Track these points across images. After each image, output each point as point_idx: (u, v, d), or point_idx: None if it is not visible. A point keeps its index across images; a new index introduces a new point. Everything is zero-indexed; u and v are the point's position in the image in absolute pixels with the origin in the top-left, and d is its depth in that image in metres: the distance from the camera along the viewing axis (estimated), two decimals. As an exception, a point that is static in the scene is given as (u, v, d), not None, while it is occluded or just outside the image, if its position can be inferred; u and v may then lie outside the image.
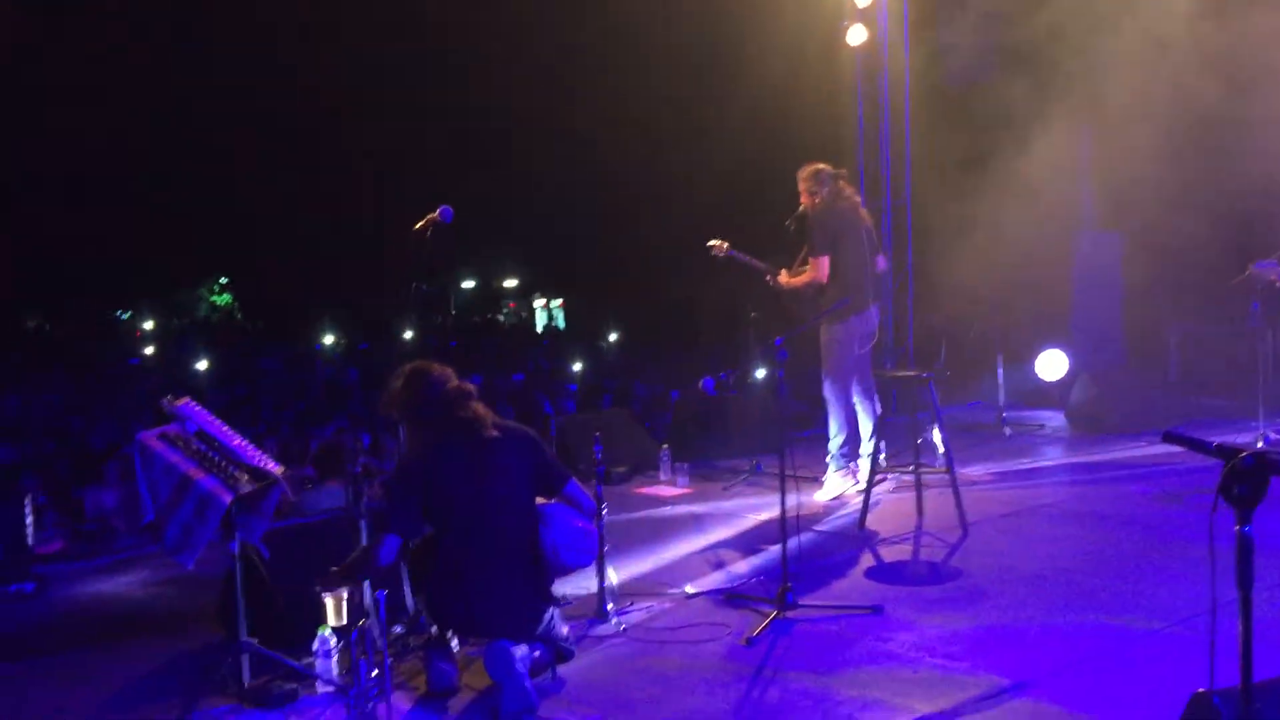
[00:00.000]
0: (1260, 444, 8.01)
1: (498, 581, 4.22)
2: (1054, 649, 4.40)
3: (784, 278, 7.30)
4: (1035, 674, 4.13)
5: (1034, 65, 10.59)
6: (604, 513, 5.04)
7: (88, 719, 4.19)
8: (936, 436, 6.82)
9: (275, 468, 4.22)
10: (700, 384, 5.07)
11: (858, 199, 7.42)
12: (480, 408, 4.37)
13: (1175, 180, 8.89)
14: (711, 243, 7.41)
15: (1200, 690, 2.40)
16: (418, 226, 4.77)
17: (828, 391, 7.26)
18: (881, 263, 7.63)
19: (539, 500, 4.43)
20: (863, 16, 11.16)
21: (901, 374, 6.79)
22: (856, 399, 7.23)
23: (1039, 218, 10.12)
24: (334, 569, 4.11)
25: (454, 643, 4.36)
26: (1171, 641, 4.36)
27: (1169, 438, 2.32)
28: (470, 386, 4.41)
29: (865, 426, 7.25)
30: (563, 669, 4.34)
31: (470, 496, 4.23)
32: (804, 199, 7.21)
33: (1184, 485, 6.85)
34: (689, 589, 5.39)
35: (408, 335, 20.43)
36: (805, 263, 7.22)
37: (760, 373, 10.45)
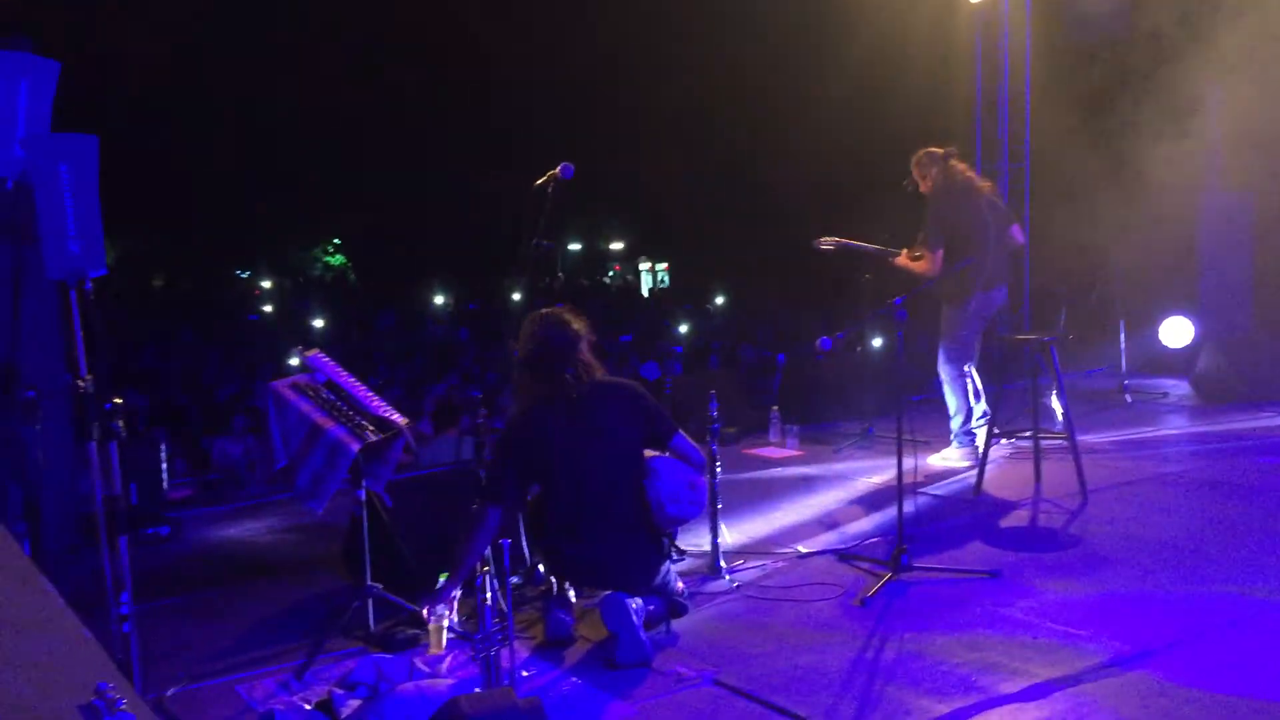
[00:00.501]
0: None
1: (611, 534, 4.27)
2: (1177, 619, 4.29)
3: (904, 259, 7.12)
4: (1158, 643, 4.03)
5: (1161, 18, 10.21)
6: (718, 470, 5.08)
7: (220, 653, 4.37)
8: (1055, 402, 6.69)
9: (399, 419, 4.33)
10: (817, 343, 5.04)
11: (972, 174, 7.19)
12: (590, 359, 4.41)
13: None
14: (819, 241, 7.29)
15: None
16: (539, 182, 4.81)
17: (944, 370, 7.13)
18: (1018, 235, 7.29)
19: (647, 453, 4.45)
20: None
21: (1022, 338, 6.64)
22: (969, 370, 7.10)
23: (1165, 178, 9.77)
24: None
25: (571, 594, 4.44)
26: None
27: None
28: (587, 337, 4.43)
29: (977, 396, 7.13)
30: (676, 624, 4.39)
31: (576, 450, 4.27)
32: (921, 185, 7.06)
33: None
34: (801, 549, 5.39)
35: (516, 296, 20.68)
36: (923, 245, 7.02)
37: (876, 339, 10.34)
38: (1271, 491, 6.11)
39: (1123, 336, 9.34)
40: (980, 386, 7.11)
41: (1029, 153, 11.06)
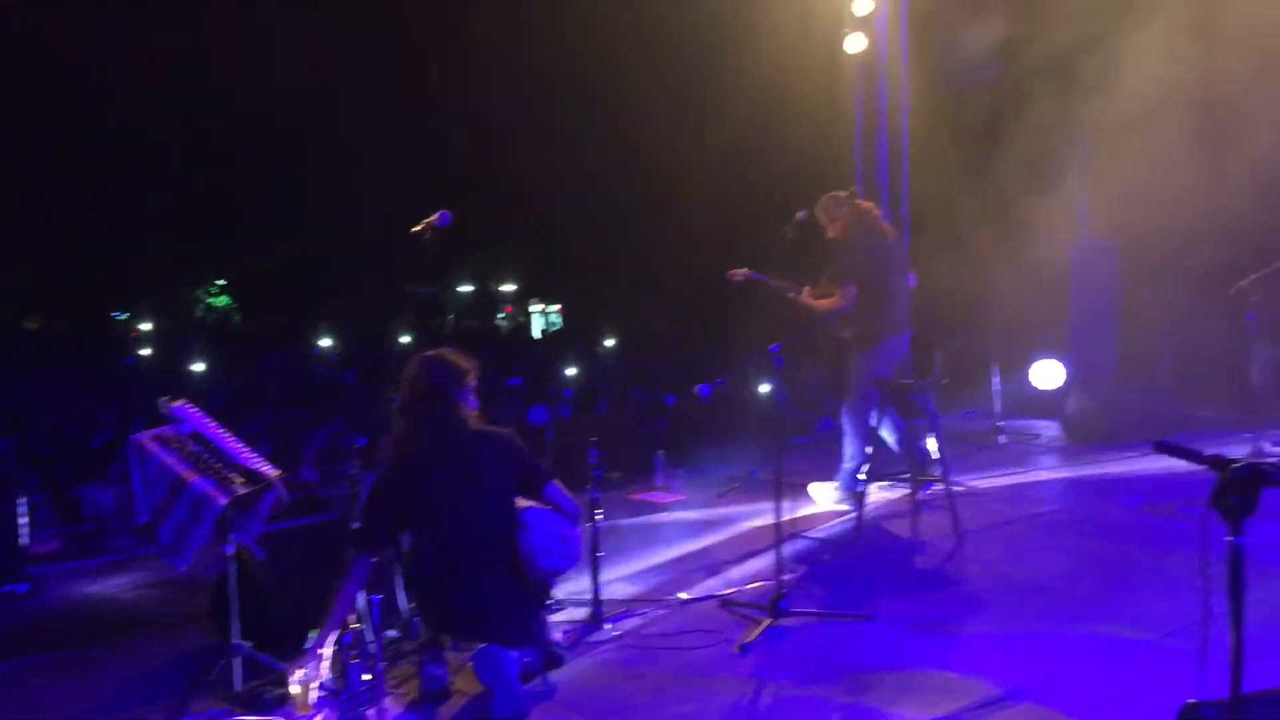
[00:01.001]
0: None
1: (486, 584, 4.17)
2: (1048, 657, 4.40)
3: (807, 297, 7.17)
4: (1029, 682, 4.13)
5: (1033, 74, 10.63)
6: (598, 517, 5.05)
7: (78, 717, 4.18)
8: (932, 445, 6.83)
9: (270, 470, 4.22)
10: (696, 390, 5.07)
11: (880, 214, 7.35)
12: (471, 405, 4.34)
13: (1173, 190, 8.90)
14: (732, 273, 7.35)
15: (1190, 701, 2.41)
16: (415, 230, 4.77)
17: (846, 418, 7.11)
18: (912, 280, 7.44)
19: (521, 503, 4.36)
20: (861, 25, 11.18)
21: (898, 383, 6.79)
22: (879, 423, 7.08)
23: (1036, 226, 10.13)
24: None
25: (447, 647, 4.35)
26: (1162, 651, 4.36)
27: (1161, 448, 2.32)
28: (470, 382, 4.36)
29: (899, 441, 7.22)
30: (555, 675, 4.34)
31: (453, 497, 4.17)
32: (829, 230, 7.12)
33: (1175, 496, 6.83)
34: (683, 595, 5.40)
35: (405, 339, 20.43)
36: (830, 284, 7.07)
37: (762, 383, 10.47)
38: (1134, 531, 6.32)
39: (996, 379, 9.62)
40: (891, 430, 7.17)
41: (907, 200, 11.36)
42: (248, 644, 4.20)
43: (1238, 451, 8.07)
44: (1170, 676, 4.08)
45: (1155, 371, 10.56)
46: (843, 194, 7.15)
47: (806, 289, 7.21)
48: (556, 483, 4.42)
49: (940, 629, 4.80)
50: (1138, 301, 10.32)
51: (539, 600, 4.34)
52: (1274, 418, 8.96)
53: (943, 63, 11.68)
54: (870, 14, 11.16)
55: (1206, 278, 8.80)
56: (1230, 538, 2.14)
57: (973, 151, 11.09)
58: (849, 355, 7.20)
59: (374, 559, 4.19)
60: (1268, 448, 8.14)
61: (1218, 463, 2.15)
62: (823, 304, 7.07)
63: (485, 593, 4.16)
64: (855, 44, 11.15)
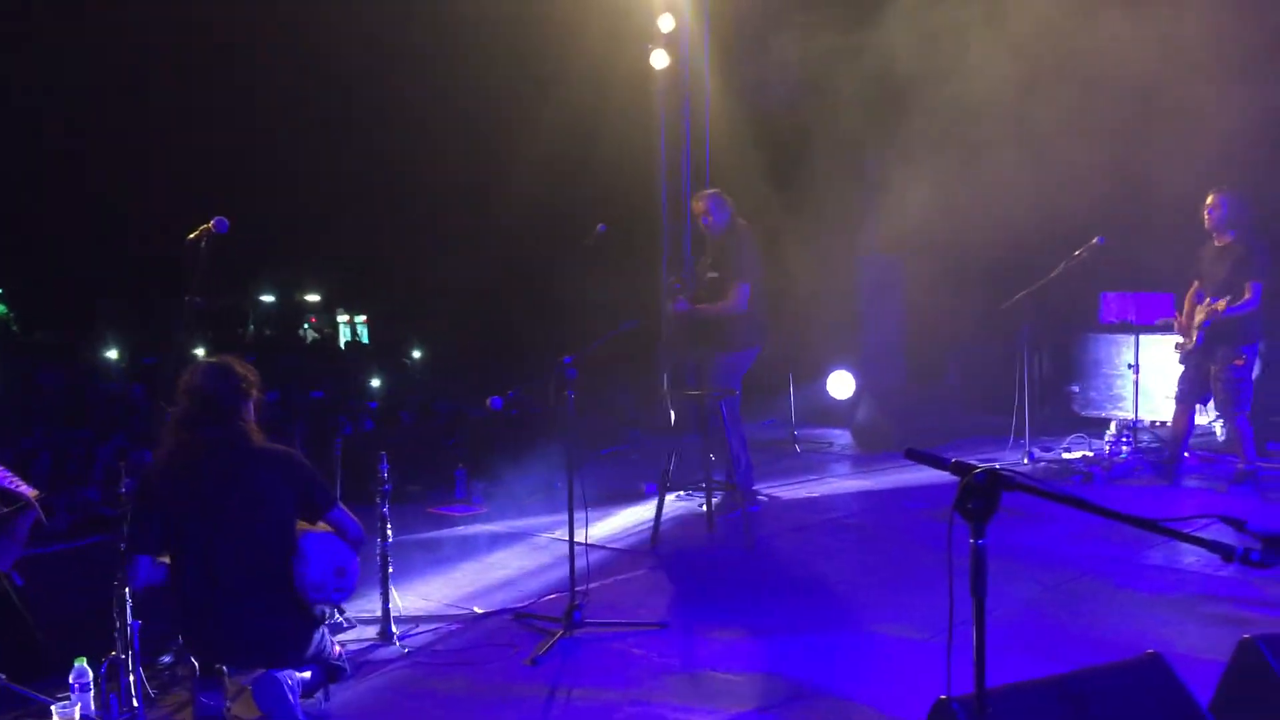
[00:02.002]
0: (1025, 460, 8.54)
1: (258, 612, 3.94)
2: (833, 657, 4.57)
3: (704, 304, 7.05)
4: (814, 682, 4.28)
5: (828, 95, 11.04)
6: (389, 535, 4.96)
7: None
8: (728, 454, 6.97)
9: (28, 490, 3.96)
10: (488, 402, 5.04)
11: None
12: (251, 418, 4.09)
13: (956, 207, 9.39)
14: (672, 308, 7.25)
15: (942, 697, 2.53)
16: (191, 237, 4.55)
17: (728, 419, 6.94)
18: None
19: (301, 527, 4.13)
20: (666, 42, 11.38)
21: (695, 392, 6.92)
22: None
23: (830, 242, 10.52)
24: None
25: (224, 671, 4.16)
26: (937, 649, 4.58)
27: (910, 454, 2.44)
28: (254, 394, 4.13)
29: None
30: (342, 695, 4.23)
31: (224, 516, 3.93)
32: (717, 223, 7.08)
33: (948, 500, 7.18)
34: (477, 609, 5.35)
35: (199, 351, 19.57)
36: (713, 287, 7.02)
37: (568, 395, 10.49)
38: (917, 534, 6.63)
39: (792, 389, 9.93)
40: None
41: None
42: (1, 675, 3.93)
43: (1012, 457, 8.63)
44: (941, 673, 4.27)
45: (942, 382, 11.10)
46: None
47: (673, 297, 7.19)
48: (341, 507, 4.21)
49: (731, 633, 4.91)
50: (926, 314, 10.83)
51: (315, 620, 4.12)
52: (1045, 425, 9.59)
53: (744, 82, 11.99)
54: (674, 31, 11.39)
55: (989, 291, 9.28)
56: (973, 540, 2.25)
57: (772, 168, 11.42)
58: (711, 360, 7.09)
59: (152, 557, 3.95)
60: (1038, 453, 8.67)
61: (960, 469, 2.27)
62: (718, 306, 7.00)
63: (258, 621, 3.93)
64: (660, 60, 11.36)
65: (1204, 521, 2.29)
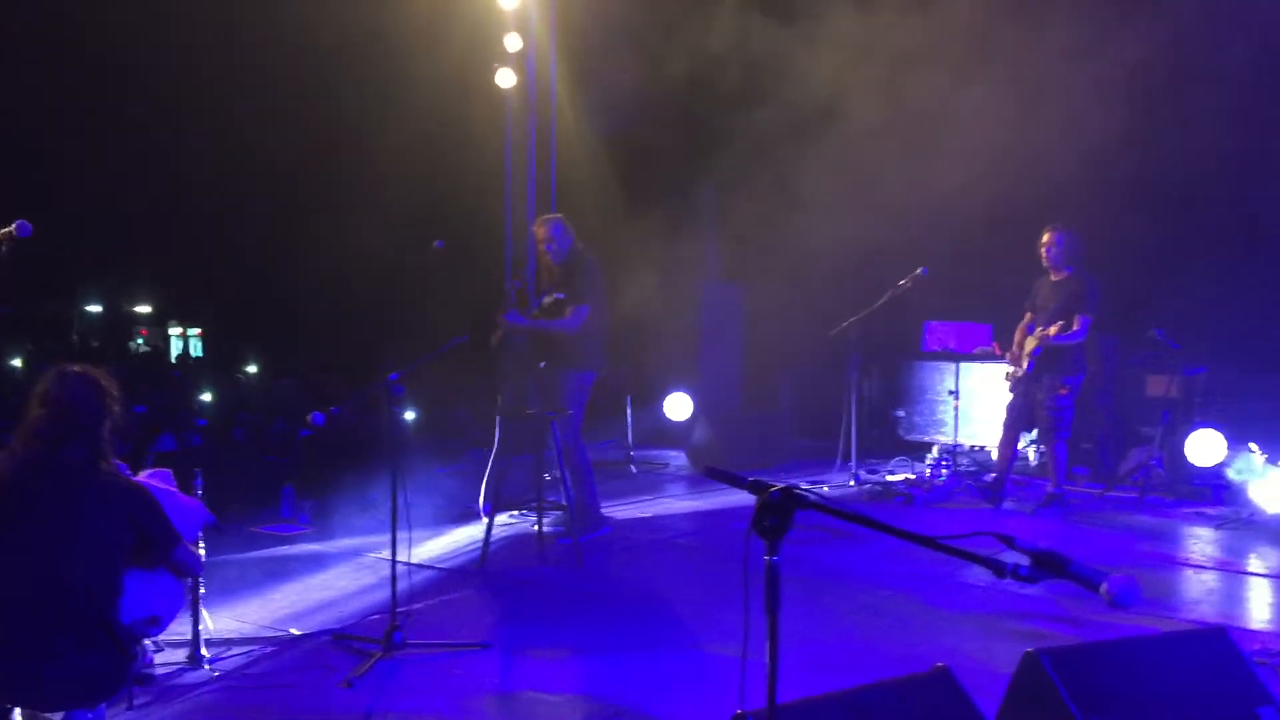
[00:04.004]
0: (851, 483, 8.81)
1: (64, 648, 3.53)
2: (654, 675, 4.61)
3: (544, 322, 7.05)
4: (633, 699, 4.31)
5: (672, 119, 11.23)
6: (202, 554, 4.78)
7: None
8: (560, 475, 6.97)
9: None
10: (309, 418, 4.92)
11: None
12: (101, 439, 3.69)
13: (791, 236, 9.64)
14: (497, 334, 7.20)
15: (739, 712, 2.58)
16: (-10, 241, 4.31)
17: (569, 440, 6.88)
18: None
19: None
20: (513, 61, 11.38)
21: (527, 413, 6.91)
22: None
23: (672, 266, 10.66)
24: None
25: (16, 714, 3.89)
26: (750, 666, 4.65)
27: (710, 473, 2.49)
28: (115, 414, 3.78)
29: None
30: (143, 721, 4.05)
31: (46, 544, 3.54)
32: (558, 249, 7.07)
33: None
34: (294, 631, 5.21)
35: (16, 363, 18.59)
36: (554, 309, 7.01)
37: (409, 411, 10.34)
38: (739, 555, 6.73)
39: (629, 411, 10.02)
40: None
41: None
42: None
43: (840, 479, 8.89)
44: (756, 688, 4.36)
45: (776, 405, 11.36)
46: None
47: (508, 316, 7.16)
48: (184, 546, 3.92)
49: (555, 653, 4.90)
50: (763, 339, 11.08)
51: (128, 654, 3.81)
52: (873, 448, 9.92)
53: (592, 104, 12.09)
54: (521, 51, 11.41)
55: (822, 318, 9.55)
56: (767, 557, 2.31)
57: (618, 190, 11.53)
58: (556, 377, 7.04)
59: None
60: (863, 475, 8.95)
61: (756, 487, 2.32)
62: (554, 323, 6.98)
63: (63, 659, 3.52)
64: (506, 79, 11.35)
65: (984, 539, 2.39)
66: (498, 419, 6.98)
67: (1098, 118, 8.80)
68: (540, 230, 7.25)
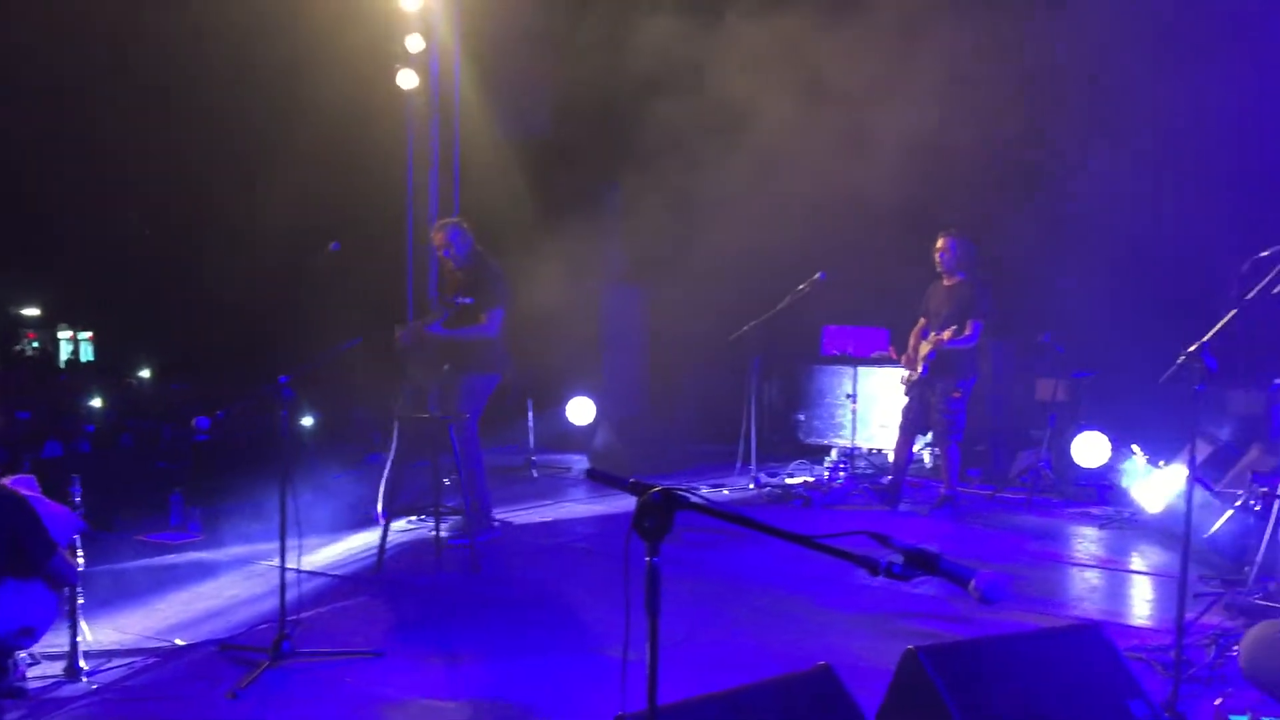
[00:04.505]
0: (751, 486, 8.88)
1: None
2: (548, 681, 4.59)
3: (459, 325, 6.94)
4: (526, 706, 4.28)
5: (575, 120, 11.22)
6: (79, 562, 4.63)
7: None
8: (458, 479, 6.91)
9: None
10: (193, 422, 4.80)
11: None
12: None
13: (694, 238, 9.69)
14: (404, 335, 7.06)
15: (620, 713, 2.58)
16: None
17: (467, 443, 6.84)
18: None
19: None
20: (415, 62, 11.26)
21: (423, 417, 6.83)
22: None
23: (574, 269, 10.64)
24: None
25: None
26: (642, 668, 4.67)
27: (591, 475, 2.49)
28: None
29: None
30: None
31: None
32: (460, 253, 7.04)
33: (679, 524, 7.37)
34: (179, 641, 5.07)
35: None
36: (463, 313, 6.91)
37: (306, 416, 10.14)
38: (635, 557, 6.74)
39: (530, 415, 9.96)
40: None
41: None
42: None
43: (740, 482, 8.96)
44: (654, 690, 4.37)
45: (679, 409, 11.41)
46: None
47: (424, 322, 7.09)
48: (61, 555, 3.81)
49: (448, 659, 4.85)
50: (665, 343, 11.12)
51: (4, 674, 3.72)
52: (776, 451, 10.02)
53: (496, 105, 12.02)
54: (424, 52, 11.30)
55: (725, 321, 9.61)
56: (648, 558, 2.32)
57: (522, 192, 11.47)
58: (457, 382, 7.00)
59: None
60: (763, 478, 9.04)
61: (636, 489, 2.33)
62: (471, 330, 6.93)
63: None
64: (408, 80, 11.22)
65: (860, 538, 2.41)
66: (395, 423, 6.88)
67: (994, 126, 9.04)
68: (438, 236, 7.20)
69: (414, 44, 11.14)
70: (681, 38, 9.90)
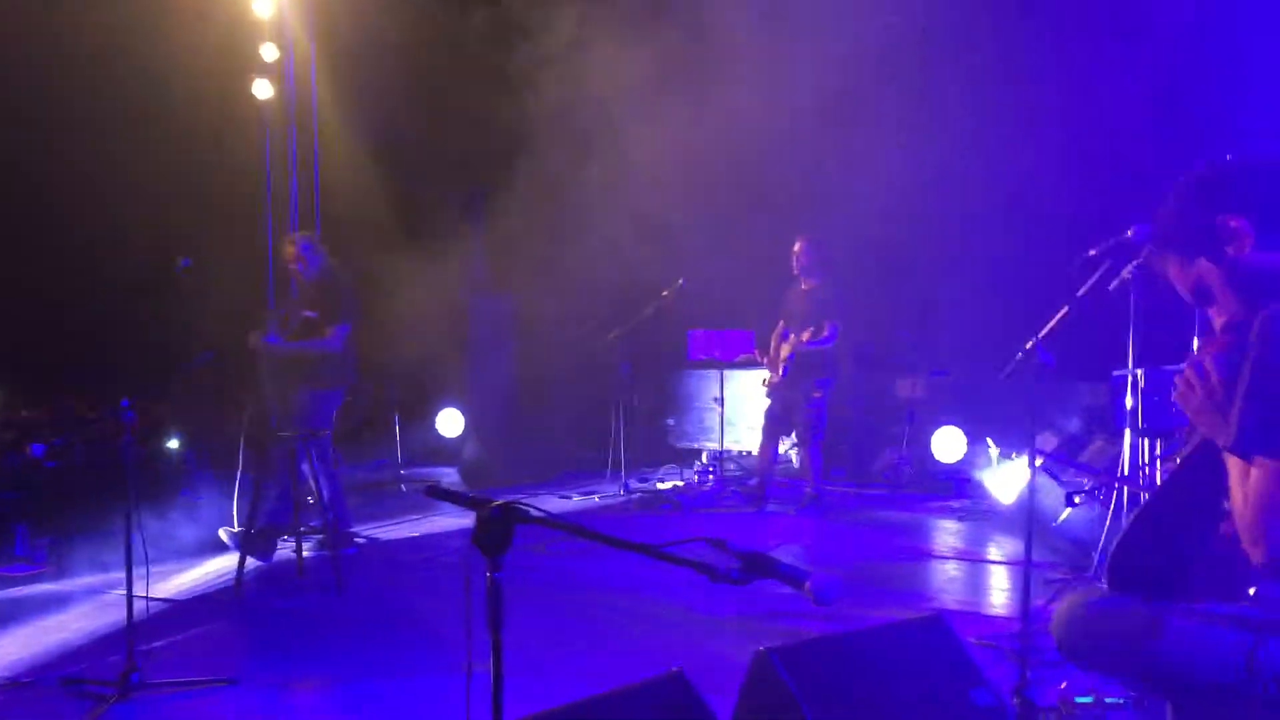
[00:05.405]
0: (621, 492, 8.91)
1: None
2: (408, 699, 4.50)
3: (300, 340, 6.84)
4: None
5: (438, 129, 11.10)
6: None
7: None
8: (320, 496, 6.75)
9: None
10: (28, 449, 4.59)
11: None
12: None
13: (561, 247, 9.69)
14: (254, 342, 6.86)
15: (472, 730, 2.55)
16: None
17: (322, 458, 6.68)
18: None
19: None
20: (270, 71, 10.99)
21: (282, 434, 6.66)
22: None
23: (439, 278, 10.53)
24: None
25: None
26: (515, 686, 4.61)
27: (430, 492, 2.45)
28: None
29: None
30: None
31: None
32: (307, 265, 6.94)
33: (546, 535, 7.35)
34: (20, 680, 4.83)
35: None
36: (309, 326, 6.82)
37: (171, 440, 9.77)
38: (512, 571, 6.69)
39: (398, 429, 9.82)
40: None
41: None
42: None
43: (611, 489, 8.98)
44: (512, 709, 4.33)
45: (549, 417, 11.37)
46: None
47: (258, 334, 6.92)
48: None
49: (308, 684, 4.72)
50: (534, 352, 11.07)
51: None
52: (647, 456, 10.07)
53: (357, 114, 11.81)
54: (279, 60, 11.03)
55: (593, 329, 9.63)
56: (489, 573, 2.29)
57: (385, 202, 11.31)
58: (300, 397, 6.87)
59: None
60: (633, 484, 9.07)
61: (476, 503, 2.30)
62: (313, 344, 6.82)
63: None
64: (263, 90, 10.94)
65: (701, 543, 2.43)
66: (241, 442, 6.71)
67: (846, 130, 9.24)
68: (288, 249, 7.08)
69: (269, 53, 10.87)
70: (543, 40, 9.91)
